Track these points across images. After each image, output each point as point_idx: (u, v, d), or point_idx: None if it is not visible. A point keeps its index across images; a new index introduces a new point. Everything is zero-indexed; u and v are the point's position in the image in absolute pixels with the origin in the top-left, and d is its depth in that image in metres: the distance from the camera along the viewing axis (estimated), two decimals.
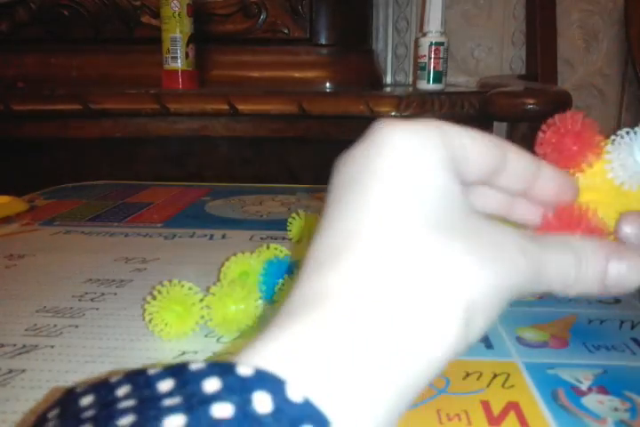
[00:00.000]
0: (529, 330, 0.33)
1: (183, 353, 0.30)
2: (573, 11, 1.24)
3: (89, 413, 0.13)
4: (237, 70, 1.05)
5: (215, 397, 0.13)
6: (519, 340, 0.32)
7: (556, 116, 0.23)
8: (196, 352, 0.31)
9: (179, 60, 0.96)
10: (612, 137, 0.23)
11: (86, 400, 0.14)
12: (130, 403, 0.13)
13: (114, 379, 0.14)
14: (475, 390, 0.27)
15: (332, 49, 1.07)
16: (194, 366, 0.14)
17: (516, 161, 0.21)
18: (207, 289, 0.34)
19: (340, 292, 0.16)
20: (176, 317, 0.32)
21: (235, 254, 0.37)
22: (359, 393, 0.15)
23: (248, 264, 0.37)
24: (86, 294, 0.38)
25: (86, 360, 0.30)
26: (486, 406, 0.25)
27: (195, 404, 0.13)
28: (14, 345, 0.31)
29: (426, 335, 0.16)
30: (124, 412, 0.13)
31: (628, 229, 0.22)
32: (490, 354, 0.30)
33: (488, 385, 0.27)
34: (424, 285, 0.16)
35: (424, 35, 0.96)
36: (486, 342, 0.32)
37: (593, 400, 0.26)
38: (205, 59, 1.03)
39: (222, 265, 0.37)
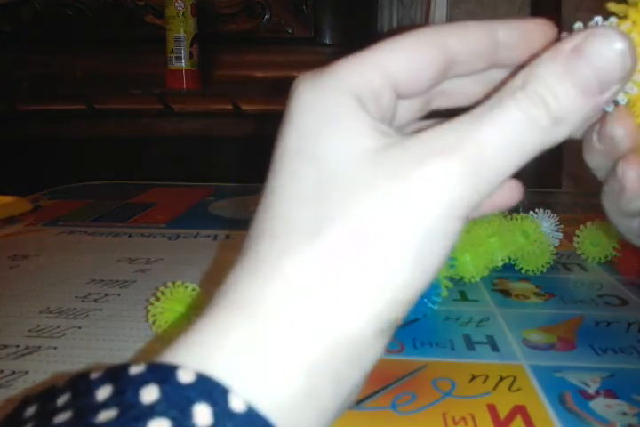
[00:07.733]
0: (535, 332, 0.33)
1: None
2: (579, 10, 1.23)
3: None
4: (241, 70, 1.05)
5: (152, 411, 0.12)
6: (525, 342, 0.32)
7: None
8: None
9: (183, 60, 0.96)
10: None
11: (30, 411, 0.14)
12: (65, 416, 0.13)
13: (59, 384, 0.14)
14: (481, 394, 0.26)
15: (336, 49, 1.06)
16: (133, 370, 0.13)
17: (461, 46, 0.18)
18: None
19: (276, 301, 0.16)
20: (180, 318, 0.31)
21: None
22: (300, 392, 0.14)
23: None
24: (90, 294, 0.38)
25: (89, 362, 0.29)
26: (492, 409, 0.25)
27: (130, 420, 0.12)
28: (17, 346, 0.31)
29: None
30: None
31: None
32: (496, 357, 0.30)
33: (494, 388, 0.27)
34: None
35: None
36: (492, 344, 0.31)
37: (601, 404, 0.25)
38: (209, 58, 1.02)
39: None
